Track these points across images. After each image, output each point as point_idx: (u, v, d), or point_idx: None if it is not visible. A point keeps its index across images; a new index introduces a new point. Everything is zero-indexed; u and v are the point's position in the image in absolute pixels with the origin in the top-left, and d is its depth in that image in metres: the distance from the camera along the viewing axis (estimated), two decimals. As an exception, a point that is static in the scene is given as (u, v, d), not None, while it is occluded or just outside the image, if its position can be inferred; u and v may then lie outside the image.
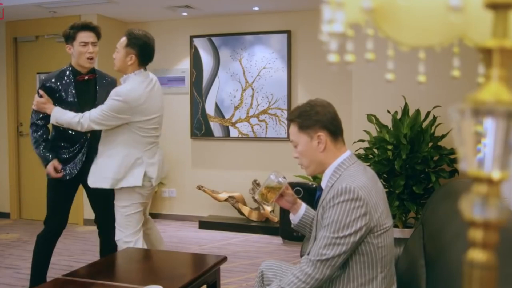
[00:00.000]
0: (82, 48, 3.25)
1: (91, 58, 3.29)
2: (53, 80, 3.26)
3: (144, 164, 3.17)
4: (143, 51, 3.14)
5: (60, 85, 3.26)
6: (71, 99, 3.25)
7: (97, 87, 3.38)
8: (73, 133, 3.29)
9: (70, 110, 3.20)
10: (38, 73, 6.04)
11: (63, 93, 3.25)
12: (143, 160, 3.18)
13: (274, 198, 2.12)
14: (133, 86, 3.10)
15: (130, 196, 3.18)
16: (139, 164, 3.16)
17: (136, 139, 3.15)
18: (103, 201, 3.47)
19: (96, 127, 3.13)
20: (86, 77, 3.34)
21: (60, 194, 3.38)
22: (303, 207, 2.20)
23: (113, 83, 3.52)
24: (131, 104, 3.06)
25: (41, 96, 3.23)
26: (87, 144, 3.35)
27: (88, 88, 3.34)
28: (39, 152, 3.30)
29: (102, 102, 3.17)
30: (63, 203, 3.40)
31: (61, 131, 3.30)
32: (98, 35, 3.35)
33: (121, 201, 3.20)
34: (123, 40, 3.15)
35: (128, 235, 3.18)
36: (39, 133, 3.30)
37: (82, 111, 3.18)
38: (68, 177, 3.31)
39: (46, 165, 3.27)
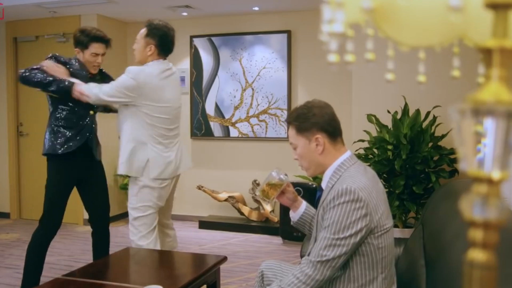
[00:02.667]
0: (92, 58, 3.33)
1: (97, 67, 3.41)
2: (65, 61, 3.31)
3: (148, 154, 3.10)
4: (162, 41, 3.14)
5: (72, 69, 3.32)
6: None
7: (103, 78, 3.48)
8: (77, 109, 3.31)
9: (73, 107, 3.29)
10: (38, 73, 6.04)
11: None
12: (148, 150, 3.10)
13: (275, 195, 2.12)
14: (146, 69, 3.11)
15: (140, 197, 3.15)
16: (143, 151, 3.10)
17: (143, 125, 3.11)
18: (100, 199, 3.52)
19: (105, 99, 3.11)
20: (90, 76, 3.42)
21: (59, 195, 3.38)
22: (303, 205, 2.20)
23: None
24: (139, 83, 3.04)
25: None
26: (91, 123, 3.39)
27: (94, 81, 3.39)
28: (57, 82, 3.18)
29: None
30: (61, 203, 3.40)
31: (66, 110, 3.31)
32: (108, 47, 3.42)
33: (131, 201, 3.19)
34: (143, 30, 3.17)
35: (139, 238, 3.16)
36: (41, 73, 3.24)
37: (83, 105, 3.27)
38: (73, 148, 3.29)
39: (71, 86, 3.17)
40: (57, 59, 3.31)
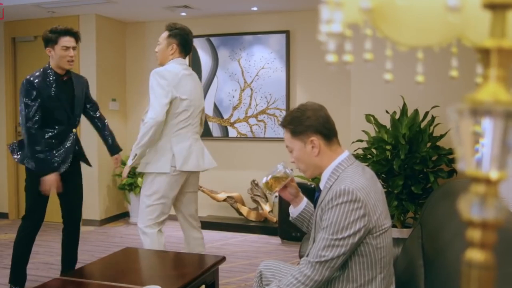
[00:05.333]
0: (64, 52, 3.39)
1: (71, 61, 3.44)
2: (37, 81, 3.35)
3: (171, 149, 3.23)
4: (183, 40, 3.34)
5: (45, 86, 3.37)
6: (56, 98, 3.39)
7: (74, 86, 3.54)
8: (60, 129, 3.43)
9: (54, 107, 3.36)
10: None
11: (48, 93, 3.36)
12: (172, 144, 3.23)
13: (278, 188, 2.13)
14: (167, 67, 3.27)
15: (152, 184, 3.25)
16: (168, 149, 3.23)
17: (165, 121, 3.21)
18: (76, 196, 3.64)
19: (160, 119, 3.14)
20: (65, 78, 3.49)
21: (39, 197, 3.45)
22: (304, 201, 2.20)
23: (85, 81, 3.70)
24: (168, 78, 3.19)
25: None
26: (75, 141, 3.53)
27: (67, 88, 3.49)
28: (42, 153, 3.32)
29: (79, 99, 3.51)
30: (43, 200, 3.48)
31: (49, 130, 3.40)
32: (78, 40, 3.50)
33: (145, 188, 3.29)
34: (165, 33, 3.36)
35: (146, 226, 3.25)
36: (37, 129, 3.33)
37: (64, 108, 3.41)
38: (59, 172, 3.43)
39: (48, 172, 3.32)
40: (30, 83, 3.33)
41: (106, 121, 3.80)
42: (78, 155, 3.61)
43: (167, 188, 3.24)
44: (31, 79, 3.34)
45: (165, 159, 3.22)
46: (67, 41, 3.39)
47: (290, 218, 2.24)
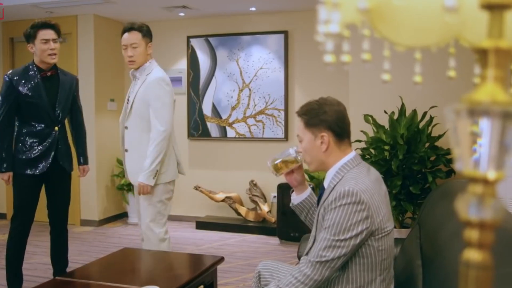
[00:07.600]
0: (43, 46, 3.34)
1: (53, 54, 3.38)
2: (16, 78, 3.33)
3: (176, 156, 3.32)
4: (152, 36, 3.34)
5: (24, 81, 3.33)
6: (35, 94, 3.34)
7: (60, 83, 3.48)
8: (40, 127, 3.38)
9: (31, 104, 3.32)
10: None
11: (26, 89, 3.33)
12: (175, 151, 3.31)
13: (284, 171, 2.14)
14: (159, 70, 3.28)
15: (164, 192, 3.28)
16: (173, 156, 3.29)
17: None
18: (60, 199, 3.60)
19: (170, 127, 3.21)
20: (49, 73, 3.43)
21: (27, 191, 3.43)
22: (308, 190, 2.20)
23: (74, 80, 3.63)
24: (170, 84, 3.26)
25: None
26: (56, 139, 3.44)
27: (52, 84, 3.44)
28: (2, 151, 3.32)
29: (64, 96, 3.42)
30: (30, 200, 3.45)
31: (29, 127, 3.37)
32: (58, 32, 3.44)
33: (156, 195, 3.27)
34: (137, 34, 3.23)
35: (165, 233, 3.30)
36: (10, 128, 3.35)
37: (46, 105, 3.34)
38: (39, 172, 3.39)
39: (3, 170, 3.34)
40: (10, 79, 3.33)
41: (84, 132, 3.72)
42: (61, 155, 3.48)
43: (173, 192, 3.35)
44: (9, 74, 3.35)
45: (173, 166, 3.28)
46: (45, 34, 3.34)
47: (291, 204, 2.25)
